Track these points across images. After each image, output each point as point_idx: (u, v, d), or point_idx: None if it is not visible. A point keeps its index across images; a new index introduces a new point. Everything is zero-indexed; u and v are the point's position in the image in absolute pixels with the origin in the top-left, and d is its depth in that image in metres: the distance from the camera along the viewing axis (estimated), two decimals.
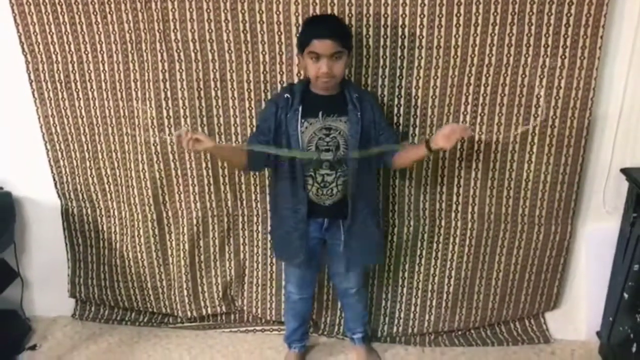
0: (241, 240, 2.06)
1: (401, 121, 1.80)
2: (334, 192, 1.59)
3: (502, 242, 1.95)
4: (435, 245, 1.99)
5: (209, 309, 2.16)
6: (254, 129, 1.80)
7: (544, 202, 1.86)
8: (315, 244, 1.72)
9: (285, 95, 1.57)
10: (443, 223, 1.95)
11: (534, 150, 1.79)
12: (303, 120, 1.52)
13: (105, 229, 2.10)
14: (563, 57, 1.66)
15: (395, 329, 2.12)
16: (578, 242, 1.96)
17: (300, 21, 1.66)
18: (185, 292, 2.11)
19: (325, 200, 1.60)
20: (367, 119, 1.56)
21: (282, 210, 1.65)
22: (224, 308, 2.17)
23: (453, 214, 1.93)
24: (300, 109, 1.52)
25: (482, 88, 1.73)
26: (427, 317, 2.09)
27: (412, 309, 2.09)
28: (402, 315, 2.10)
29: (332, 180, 1.57)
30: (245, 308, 2.17)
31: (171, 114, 1.82)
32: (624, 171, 1.81)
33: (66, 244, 2.14)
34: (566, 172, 1.81)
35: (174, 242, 2.05)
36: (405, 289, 2.07)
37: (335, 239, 1.70)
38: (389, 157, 1.63)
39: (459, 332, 2.12)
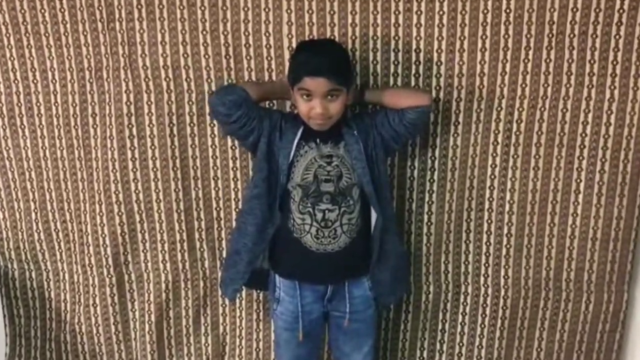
0: (221, 310, 1.90)
1: (416, 164, 1.70)
2: (337, 233, 1.45)
3: (542, 314, 1.81)
4: (460, 317, 1.85)
5: None
6: (237, 172, 1.72)
7: (593, 264, 1.74)
8: (315, 317, 1.56)
9: (281, 112, 1.56)
10: (470, 290, 1.82)
11: (580, 200, 1.68)
12: (303, 143, 1.45)
13: (52, 296, 1.94)
14: (612, 87, 1.58)
15: None
16: (637, 312, 1.80)
17: (294, 44, 1.57)
18: None
19: (327, 245, 1.45)
20: (367, 136, 1.48)
21: (246, 225, 1.52)
22: None
23: (482, 279, 1.80)
24: (302, 128, 1.45)
25: (515, 125, 1.64)
26: None
27: None
28: None
29: (335, 218, 1.44)
30: None
31: (137, 155, 1.71)
32: None
33: (4, 315, 1.96)
34: (620, 227, 1.70)
35: (137, 313, 1.89)
36: None
37: (340, 311, 1.56)
38: (399, 115, 1.45)
39: None
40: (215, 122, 1.67)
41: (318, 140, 1.45)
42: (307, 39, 1.57)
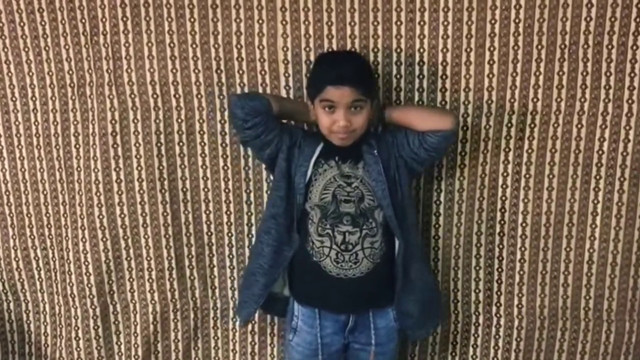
0: (213, 343, 1.85)
1: (421, 185, 1.66)
2: (359, 257, 1.42)
3: (560, 346, 1.76)
4: (471, 350, 1.80)
5: None
6: (230, 194, 1.70)
7: (613, 292, 1.70)
8: (335, 350, 1.51)
9: (302, 129, 1.55)
10: (481, 320, 1.77)
11: (598, 222, 1.64)
12: (322, 161, 1.43)
13: (32, 329, 1.90)
14: (630, 101, 1.54)
15: None
16: None
17: (290, 57, 1.56)
18: None
19: (347, 270, 1.43)
20: (388, 156, 1.44)
21: (262, 245, 1.51)
22: None
23: (494, 308, 1.75)
24: (321, 145, 1.43)
25: (527, 142, 1.60)
26: None
27: None
28: None
29: (357, 240, 1.42)
30: None
31: (122, 176, 1.68)
32: None
33: None
34: None
35: (123, 346, 1.85)
36: None
37: (362, 342, 1.51)
38: (419, 139, 1.41)
39: None
40: (205, 141, 1.66)
41: (337, 158, 1.43)
42: (303, 52, 1.54)
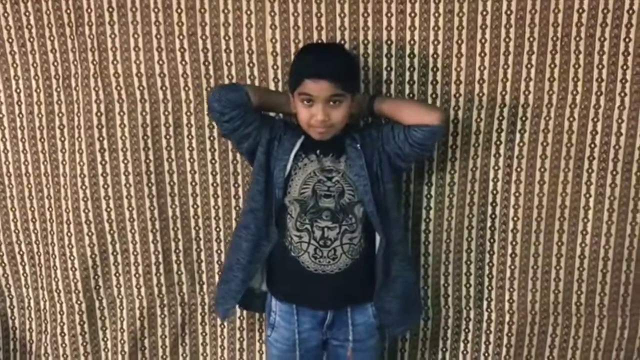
0: (200, 339, 1.84)
1: (412, 178, 1.65)
2: (337, 253, 1.41)
3: (551, 341, 1.75)
4: (462, 345, 1.79)
5: None
6: (218, 188, 1.68)
7: (605, 286, 1.69)
8: (313, 346, 1.50)
9: (284, 121, 1.51)
10: (472, 315, 1.76)
11: (590, 216, 1.63)
12: (303, 155, 1.41)
13: (17, 325, 1.89)
14: (622, 94, 1.54)
15: None
16: None
17: (279, 49, 1.55)
18: None
19: (325, 266, 1.42)
20: (372, 150, 1.42)
21: (241, 240, 1.49)
22: None
23: (485, 303, 1.75)
24: (302, 138, 1.41)
25: (518, 135, 1.59)
26: None
27: None
28: None
29: (336, 236, 1.40)
30: None
31: (108, 170, 1.67)
32: None
33: None
34: (633, 245, 1.65)
35: (109, 342, 1.83)
36: None
37: (340, 339, 1.50)
38: (404, 132, 1.39)
39: None
40: (193, 134, 1.65)
41: (318, 152, 1.41)
42: (291, 43, 1.53)
